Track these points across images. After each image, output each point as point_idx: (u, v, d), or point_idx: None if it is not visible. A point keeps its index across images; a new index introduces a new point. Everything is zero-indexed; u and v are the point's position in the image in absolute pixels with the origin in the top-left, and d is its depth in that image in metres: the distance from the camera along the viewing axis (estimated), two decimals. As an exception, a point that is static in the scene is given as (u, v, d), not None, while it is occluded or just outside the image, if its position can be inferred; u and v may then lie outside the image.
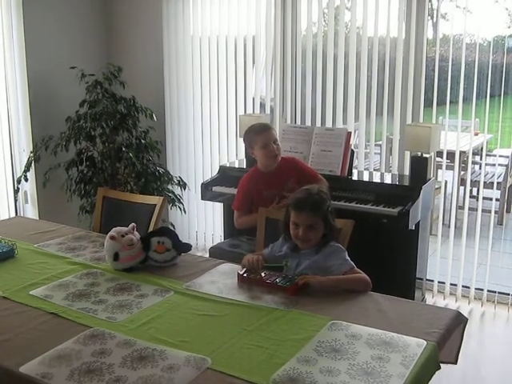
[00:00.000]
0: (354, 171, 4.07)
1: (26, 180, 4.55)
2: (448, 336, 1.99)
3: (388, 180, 4.10)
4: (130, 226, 2.59)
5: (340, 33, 4.25)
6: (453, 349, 2.09)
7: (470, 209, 4.25)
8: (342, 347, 1.85)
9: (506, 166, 5.64)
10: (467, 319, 2.15)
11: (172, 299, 2.25)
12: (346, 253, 2.48)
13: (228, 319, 2.09)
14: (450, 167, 4.44)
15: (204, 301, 2.23)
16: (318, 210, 2.45)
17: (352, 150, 3.94)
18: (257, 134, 3.46)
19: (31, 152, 4.55)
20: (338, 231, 2.58)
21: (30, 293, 2.31)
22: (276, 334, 1.94)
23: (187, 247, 2.67)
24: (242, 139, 4.51)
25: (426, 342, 1.87)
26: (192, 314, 2.12)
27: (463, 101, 3.98)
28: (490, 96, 3.89)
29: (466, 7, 3.87)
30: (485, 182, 4.52)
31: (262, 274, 2.42)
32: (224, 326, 2.04)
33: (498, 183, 5.41)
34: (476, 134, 5.48)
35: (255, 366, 1.75)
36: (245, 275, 2.43)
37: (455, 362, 2.12)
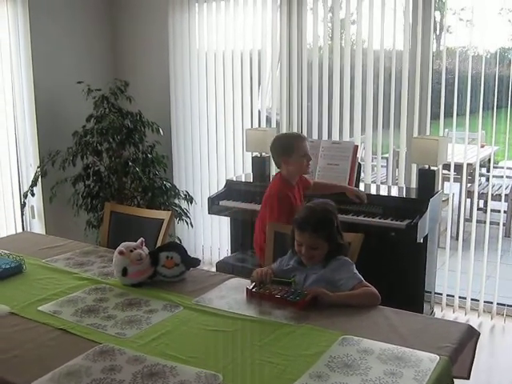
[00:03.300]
0: (361, 184, 4.06)
1: (33, 195, 4.55)
2: (461, 350, 1.97)
3: (395, 193, 4.09)
4: (139, 240, 2.59)
5: (346, 46, 4.26)
6: (465, 363, 2.07)
7: (477, 221, 4.23)
8: (354, 362, 1.83)
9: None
10: (479, 333, 2.13)
11: (181, 315, 2.24)
12: (354, 266, 2.46)
13: (238, 334, 2.07)
14: (456, 179, 4.42)
15: (214, 316, 2.22)
16: (321, 231, 2.41)
17: (359, 164, 3.94)
18: (301, 141, 3.35)
19: (38, 167, 4.57)
20: (346, 248, 2.53)
21: (39, 308, 2.30)
22: (287, 350, 1.93)
23: (196, 262, 2.66)
24: (248, 153, 4.57)
25: (438, 357, 1.85)
26: (202, 330, 2.11)
27: (469, 113, 3.96)
28: (496, 108, 3.89)
29: (469, 20, 3.88)
30: (492, 194, 4.51)
31: (271, 289, 2.41)
32: (234, 341, 2.03)
33: (505, 195, 5.40)
34: (482, 147, 5.47)
35: (267, 381, 1.74)
36: (254, 290, 2.42)
37: (468, 377, 2.09)
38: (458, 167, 4.29)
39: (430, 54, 3.98)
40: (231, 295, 2.42)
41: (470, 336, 2.08)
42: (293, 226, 2.50)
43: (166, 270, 2.55)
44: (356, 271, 2.42)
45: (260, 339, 2.01)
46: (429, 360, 1.84)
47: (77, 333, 2.09)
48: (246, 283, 2.50)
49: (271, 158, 3.62)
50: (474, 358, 2.09)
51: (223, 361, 1.86)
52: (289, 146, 3.33)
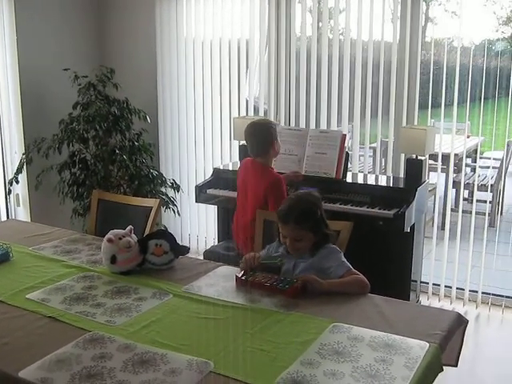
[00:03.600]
0: (349, 174, 4.06)
1: (18, 182, 4.50)
2: (450, 338, 1.99)
3: (383, 182, 4.10)
4: (128, 228, 2.57)
5: (334, 35, 4.25)
6: (454, 351, 2.09)
7: (462, 211, 4.27)
8: (345, 350, 1.84)
9: (498, 168, 5.67)
10: (467, 321, 2.15)
11: (171, 302, 2.23)
12: (342, 254, 2.46)
13: (228, 322, 2.07)
14: (441, 170, 4.44)
15: (203, 304, 2.21)
16: (304, 223, 2.40)
17: (347, 153, 3.94)
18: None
19: (23, 154, 4.51)
20: (332, 237, 2.52)
21: (27, 296, 2.28)
22: (278, 337, 1.93)
23: (185, 250, 2.65)
24: (236, 141, 4.57)
25: (428, 344, 1.86)
26: (192, 317, 2.10)
27: (452, 104, 3.99)
28: (477, 99, 3.92)
29: (454, 11, 3.89)
30: (477, 185, 4.53)
31: (260, 277, 2.41)
32: (225, 329, 2.02)
33: (490, 185, 5.45)
34: (468, 137, 5.51)
35: (259, 369, 1.74)
36: (243, 278, 2.42)
37: (456, 365, 2.11)
38: (443, 157, 4.30)
39: (419, 44, 3.98)
40: (220, 283, 2.42)
41: (459, 324, 2.10)
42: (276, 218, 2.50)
43: (155, 257, 2.54)
44: (344, 259, 2.42)
45: (251, 327, 2.00)
46: (419, 347, 1.85)
47: (66, 320, 2.07)
48: (235, 271, 2.49)
49: (254, 145, 3.53)
50: (462, 345, 2.12)
51: (214, 348, 1.86)
52: (275, 131, 3.48)
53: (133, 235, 2.57)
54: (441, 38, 3.97)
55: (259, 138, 3.45)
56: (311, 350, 1.84)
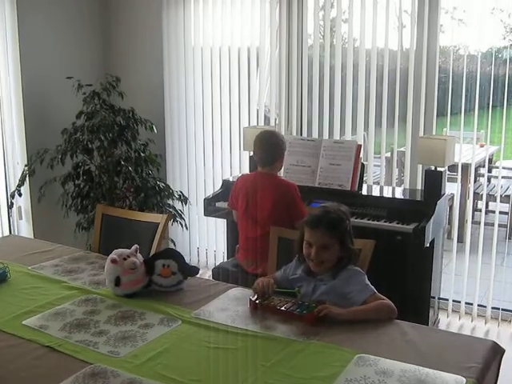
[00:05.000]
0: (364, 186, 3.88)
1: (20, 195, 4.34)
2: (487, 371, 1.80)
3: (400, 195, 3.92)
4: (133, 248, 2.39)
5: (348, 43, 4.09)
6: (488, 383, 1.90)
7: (477, 223, 4.08)
8: (373, 387, 1.66)
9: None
10: (504, 350, 1.96)
11: (180, 330, 2.05)
12: (366, 277, 2.30)
13: (243, 353, 1.90)
14: (454, 179, 4.26)
15: (215, 331, 2.04)
16: (334, 230, 2.27)
17: (362, 164, 3.76)
18: None
19: (26, 165, 4.35)
20: (356, 255, 2.37)
21: (23, 322, 2.10)
22: (298, 371, 1.75)
23: (194, 271, 2.48)
24: (245, 152, 4.42)
25: (465, 380, 1.68)
26: (203, 347, 1.93)
27: (466, 112, 3.83)
28: (493, 107, 3.76)
29: (461, 19, 3.76)
30: (492, 195, 4.33)
31: (276, 301, 2.23)
32: (239, 361, 1.85)
33: (506, 196, 5.27)
34: (482, 146, 5.34)
35: (279, 410, 1.56)
36: (257, 302, 2.24)
37: (491, 400, 1.93)
38: (456, 167, 4.11)
39: (437, 52, 3.81)
40: (233, 307, 2.24)
41: (495, 354, 1.91)
42: (302, 227, 2.35)
43: (162, 279, 2.37)
44: (368, 282, 2.25)
45: (268, 359, 1.82)
46: (455, 383, 1.67)
47: (65, 351, 1.90)
48: (248, 293, 2.33)
49: (263, 155, 3.38)
50: (498, 377, 1.93)
51: (229, 384, 1.69)
52: (285, 145, 3.42)
53: (138, 255, 2.40)
54: (447, 46, 3.85)
55: (274, 145, 3.35)
56: (336, 387, 1.66)
